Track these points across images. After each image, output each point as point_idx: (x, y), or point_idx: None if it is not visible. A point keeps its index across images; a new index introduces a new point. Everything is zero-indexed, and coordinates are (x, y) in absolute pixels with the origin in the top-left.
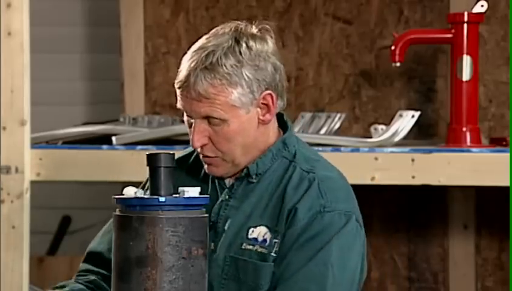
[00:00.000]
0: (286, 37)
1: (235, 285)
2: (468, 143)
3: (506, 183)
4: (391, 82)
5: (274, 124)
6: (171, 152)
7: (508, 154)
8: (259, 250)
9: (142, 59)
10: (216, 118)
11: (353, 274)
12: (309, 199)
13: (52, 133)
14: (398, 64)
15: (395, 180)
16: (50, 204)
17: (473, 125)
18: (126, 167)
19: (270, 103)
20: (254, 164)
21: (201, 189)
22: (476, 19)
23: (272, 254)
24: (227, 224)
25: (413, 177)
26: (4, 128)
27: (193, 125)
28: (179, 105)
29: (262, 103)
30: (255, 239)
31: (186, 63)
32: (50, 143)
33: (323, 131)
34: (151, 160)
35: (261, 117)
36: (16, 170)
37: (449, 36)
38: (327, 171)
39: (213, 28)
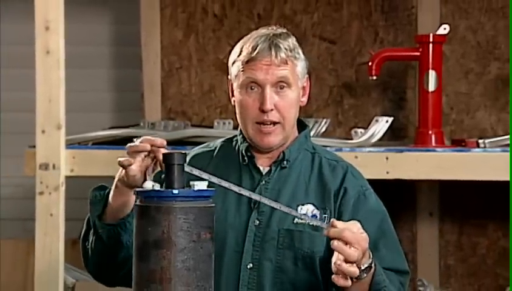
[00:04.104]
0: None
1: (290, 253)
2: (433, 144)
3: (466, 177)
4: (368, 92)
5: None
6: (183, 152)
7: (467, 153)
8: (311, 222)
9: (159, 73)
10: (287, 82)
11: None
12: (350, 181)
13: (83, 136)
14: (374, 77)
15: (372, 175)
16: (81, 195)
17: (437, 128)
18: None
19: (307, 88)
20: (288, 150)
21: (237, 175)
22: (440, 40)
23: (324, 226)
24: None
25: (387, 172)
26: (43, 132)
27: (265, 92)
28: (244, 80)
29: (302, 87)
30: (305, 214)
31: (254, 41)
32: (81, 144)
33: (311, 134)
34: (167, 158)
35: (300, 99)
36: (53, 166)
37: (417, 53)
38: (344, 160)
39: (219, 47)
